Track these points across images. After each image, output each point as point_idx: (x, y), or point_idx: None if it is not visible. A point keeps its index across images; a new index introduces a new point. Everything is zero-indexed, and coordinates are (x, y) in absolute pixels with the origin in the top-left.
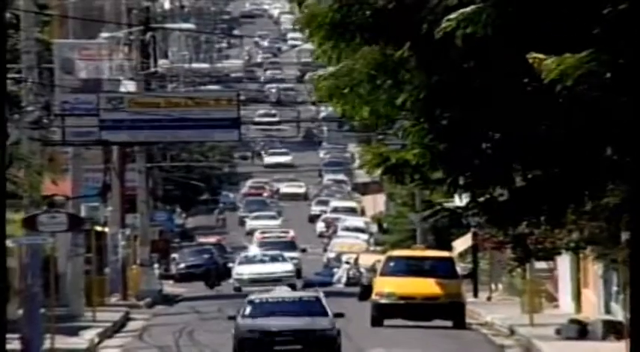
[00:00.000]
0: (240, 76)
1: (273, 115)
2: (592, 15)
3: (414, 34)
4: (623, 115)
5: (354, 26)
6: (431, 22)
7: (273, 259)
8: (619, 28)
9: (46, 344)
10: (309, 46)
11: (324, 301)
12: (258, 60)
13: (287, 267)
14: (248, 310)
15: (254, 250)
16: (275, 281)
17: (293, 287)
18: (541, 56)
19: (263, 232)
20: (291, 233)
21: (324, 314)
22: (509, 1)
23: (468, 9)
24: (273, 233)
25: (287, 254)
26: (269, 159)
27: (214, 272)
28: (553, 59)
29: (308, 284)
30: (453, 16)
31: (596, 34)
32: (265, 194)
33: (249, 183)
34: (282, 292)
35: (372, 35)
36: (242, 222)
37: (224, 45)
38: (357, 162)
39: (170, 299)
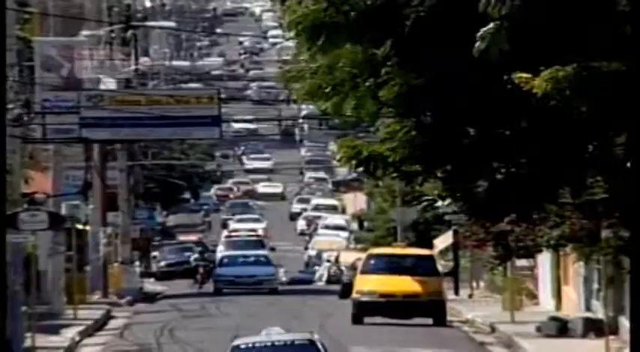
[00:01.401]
0: (220, 74)
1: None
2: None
3: (396, 33)
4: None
5: (340, 27)
6: (413, 21)
7: (256, 262)
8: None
9: (27, 343)
10: (290, 43)
11: (319, 344)
12: (241, 58)
13: (269, 270)
14: None
15: (220, 250)
16: (256, 284)
17: (275, 291)
18: (527, 75)
19: (230, 231)
20: (260, 232)
21: None
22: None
23: (491, 25)
24: (241, 232)
25: (253, 252)
26: (250, 163)
27: (204, 269)
28: (544, 74)
29: (293, 282)
30: (483, 31)
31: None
32: (232, 195)
33: (218, 186)
34: (273, 335)
35: (358, 36)
36: (225, 225)
37: (205, 43)
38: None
39: (151, 297)
